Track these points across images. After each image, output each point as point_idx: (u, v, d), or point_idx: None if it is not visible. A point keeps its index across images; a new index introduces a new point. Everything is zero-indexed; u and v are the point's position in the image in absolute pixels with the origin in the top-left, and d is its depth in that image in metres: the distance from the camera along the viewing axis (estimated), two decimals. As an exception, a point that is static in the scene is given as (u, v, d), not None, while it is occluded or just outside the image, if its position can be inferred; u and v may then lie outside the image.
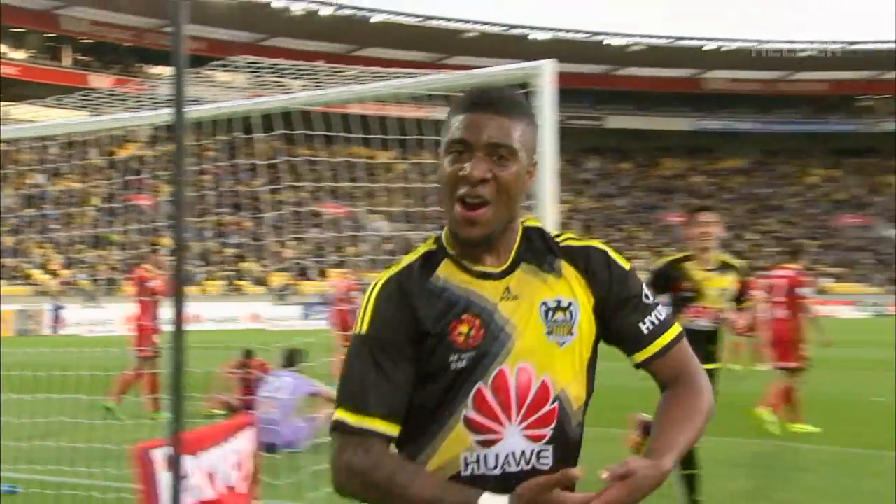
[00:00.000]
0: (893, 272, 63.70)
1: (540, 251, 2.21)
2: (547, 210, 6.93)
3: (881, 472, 9.18)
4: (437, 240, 2.24)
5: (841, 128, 76.49)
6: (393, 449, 2.17)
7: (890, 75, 73.50)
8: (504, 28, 65.71)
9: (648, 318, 2.23)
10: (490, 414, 2.09)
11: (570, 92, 67.31)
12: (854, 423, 12.48)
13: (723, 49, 69.35)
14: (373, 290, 2.18)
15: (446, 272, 2.16)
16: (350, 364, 2.15)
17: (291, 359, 10.68)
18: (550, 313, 2.15)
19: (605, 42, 68.15)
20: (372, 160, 9.76)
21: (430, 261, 2.19)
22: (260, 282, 49.49)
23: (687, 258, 7.10)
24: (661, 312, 2.26)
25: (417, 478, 2.04)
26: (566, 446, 2.15)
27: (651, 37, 68.50)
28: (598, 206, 68.69)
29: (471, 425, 2.09)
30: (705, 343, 6.74)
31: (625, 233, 65.24)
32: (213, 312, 37.82)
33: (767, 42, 69.52)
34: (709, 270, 7.01)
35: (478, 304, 2.12)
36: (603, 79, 72.38)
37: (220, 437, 5.07)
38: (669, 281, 6.99)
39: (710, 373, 6.92)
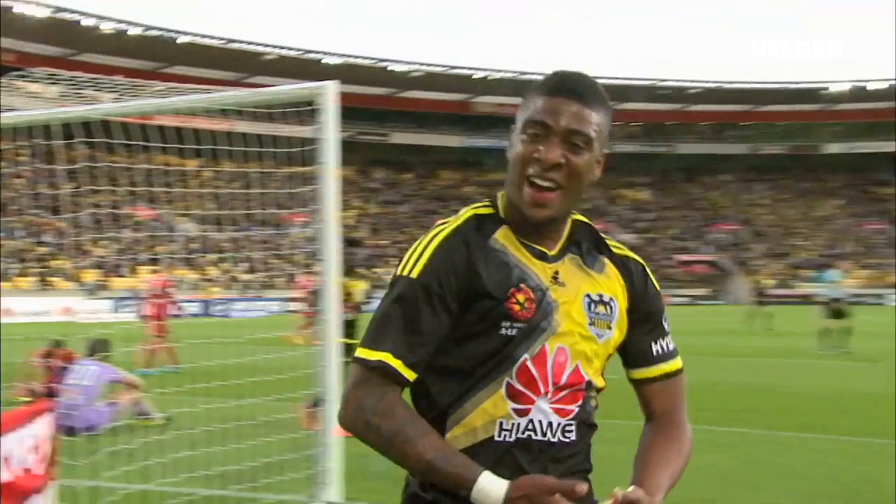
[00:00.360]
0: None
1: (587, 246, 2.05)
2: (330, 212, 6.92)
3: (612, 438, 9.49)
4: (493, 204, 2.04)
5: (587, 148, 79.83)
6: (407, 397, 1.97)
7: (626, 105, 77.41)
8: (300, 52, 64.99)
9: (661, 341, 2.09)
10: (530, 385, 1.92)
11: (358, 110, 67.58)
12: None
13: (489, 77, 71.08)
14: (433, 238, 1.96)
15: (504, 239, 1.97)
16: (388, 304, 1.93)
17: (95, 348, 10.28)
18: (593, 305, 1.99)
19: (390, 68, 68.51)
20: (179, 167, 9.50)
21: (487, 223, 1.99)
22: (72, 278, 47.24)
23: None
24: (672, 342, 2.12)
25: (424, 437, 1.85)
26: (587, 427, 2.03)
27: (429, 65, 69.37)
28: (384, 211, 69.01)
29: (511, 394, 1.92)
30: None
31: (407, 235, 65.70)
32: (25, 306, 35.91)
33: (527, 73, 71.72)
34: None
35: (534, 280, 1.94)
36: (388, 100, 72.84)
37: (16, 423, 4.76)
38: None
39: None
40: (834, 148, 79.45)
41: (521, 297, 1.91)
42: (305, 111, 7.07)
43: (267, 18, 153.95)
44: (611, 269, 2.04)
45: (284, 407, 7.53)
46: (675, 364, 2.11)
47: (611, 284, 2.03)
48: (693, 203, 78.90)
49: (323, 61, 64.18)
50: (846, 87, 75.38)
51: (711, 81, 74.82)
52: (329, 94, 6.88)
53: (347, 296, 9.61)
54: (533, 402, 1.93)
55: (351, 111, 68.29)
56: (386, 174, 73.97)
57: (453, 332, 1.92)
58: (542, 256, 1.98)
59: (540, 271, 1.96)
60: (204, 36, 61.46)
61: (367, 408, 1.87)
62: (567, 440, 1.96)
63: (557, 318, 1.94)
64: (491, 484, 1.79)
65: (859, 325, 21.74)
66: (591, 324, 1.97)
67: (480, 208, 2.03)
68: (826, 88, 75.89)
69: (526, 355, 1.91)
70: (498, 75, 71.03)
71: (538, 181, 1.90)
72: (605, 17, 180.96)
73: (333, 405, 6.84)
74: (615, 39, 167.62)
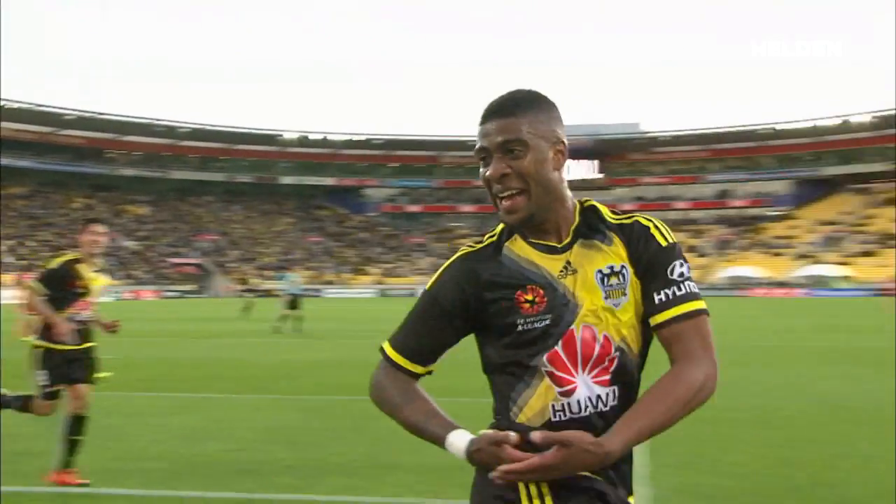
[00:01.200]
0: (128, 270, 67.42)
1: (594, 226, 1.79)
2: None
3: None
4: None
5: (95, 170, 78.07)
6: (419, 385, 1.84)
7: (128, 138, 77.88)
8: None
9: (665, 289, 1.73)
10: (564, 368, 1.72)
11: None
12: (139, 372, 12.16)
13: (6, 106, 67.62)
14: (453, 258, 1.82)
15: (516, 246, 1.78)
16: (411, 310, 1.84)
17: None
18: (605, 279, 1.74)
19: None
20: None
21: (501, 237, 1.81)
22: None
23: (78, 260, 6.00)
24: (683, 288, 1.73)
25: (411, 403, 1.77)
26: (628, 388, 1.76)
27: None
28: None
29: (553, 379, 1.72)
30: (87, 331, 6.02)
31: None
32: None
33: (41, 105, 69.51)
34: (95, 271, 6.07)
35: (540, 276, 1.74)
36: None
37: None
38: (66, 278, 5.90)
39: (89, 350, 5.93)
40: (287, 180, 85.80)
41: (529, 296, 1.73)
42: None
43: None
44: (616, 239, 1.78)
45: None
46: (682, 307, 1.73)
47: (618, 252, 1.77)
48: (183, 217, 79.69)
49: None
50: (295, 135, 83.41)
51: (197, 123, 77.94)
52: None
53: None
54: (574, 383, 1.72)
55: None
56: None
57: (493, 334, 1.77)
58: (552, 250, 1.77)
59: (549, 265, 1.76)
60: None
61: (378, 384, 1.84)
62: (615, 404, 1.73)
63: (578, 304, 1.73)
64: (458, 440, 1.67)
65: (307, 312, 23.01)
66: (606, 297, 1.74)
67: (500, 226, 1.84)
68: (281, 135, 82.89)
69: (554, 346, 1.72)
70: (14, 105, 67.77)
71: (502, 194, 1.74)
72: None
73: None
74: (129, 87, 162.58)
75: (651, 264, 1.77)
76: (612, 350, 1.74)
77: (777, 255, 73.86)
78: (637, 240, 1.78)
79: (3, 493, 5.17)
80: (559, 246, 1.78)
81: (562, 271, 1.76)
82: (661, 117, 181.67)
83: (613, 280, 1.76)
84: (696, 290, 1.76)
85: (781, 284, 64.69)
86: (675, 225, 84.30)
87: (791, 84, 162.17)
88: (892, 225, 72.28)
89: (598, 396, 1.73)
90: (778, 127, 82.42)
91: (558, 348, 1.73)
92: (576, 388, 1.73)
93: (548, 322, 1.73)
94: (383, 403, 1.84)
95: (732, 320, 26.12)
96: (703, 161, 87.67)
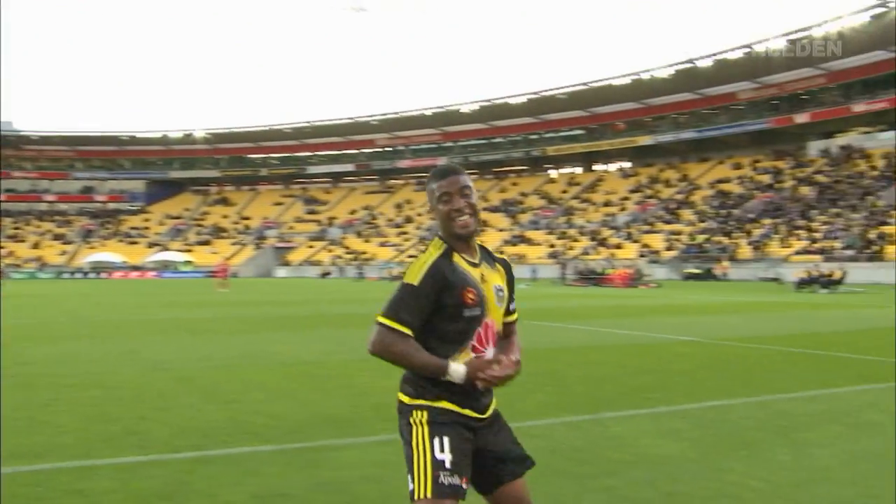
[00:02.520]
0: None
1: (487, 256, 2.42)
2: None
3: None
4: (442, 241, 2.35)
5: None
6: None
7: None
8: None
9: (512, 303, 2.49)
10: (481, 342, 2.32)
11: None
12: None
13: None
14: (427, 261, 2.28)
15: (457, 260, 2.31)
16: (399, 294, 2.25)
17: None
18: (498, 291, 2.37)
19: None
20: None
21: (448, 251, 2.32)
22: None
23: None
24: (514, 303, 2.51)
25: (417, 352, 2.22)
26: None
27: None
28: None
29: (474, 350, 2.31)
30: None
31: None
32: None
33: None
34: None
35: (474, 282, 2.30)
36: None
37: None
38: None
39: None
40: None
41: (471, 294, 2.27)
42: None
43: None
44: (498, 266, 2.43)
45: None
46: (516, 314, 2.52)
47: (501, 276, 2.43)
48: None
49: None
50: None
51: None
52: None
53: None
54: (484, 352, 2.33)
55: None
56: None
57: (446, 316, 2.27)
58: (474, 265, 2.34)
59: (475, 275, 2.32)
60: None
61: (385, 343, 2.22)
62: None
63: (488, 303, 2.33)
64: (456, 367, 2.22)
65: None
66: (498, 302, 2.37)
67: (440, 241, 2.36)
68: None
69: (479, 329, 2.31)
70: None
71: (459, 218, 2.32)
72: None
73: None
74: None
75: (511, 288, 2.48)
76: (497, 334, 2.40)
77: (133, 243, 74.15)
78: (509, 271, 2.48)
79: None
80: (476, 262, 2.36)
81: (481, 279, 2.34)
82: (35, 118, 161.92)
83: (500, 293, 2.40)
84: None
85: (137, 268, 64.57)
86: (44, 215, 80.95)
87: (147, 96, 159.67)
88: (222, 220, 78.44)
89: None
90: (137, 135, 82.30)
91: (480, 331, 2.32)
92: (485, 354, 2.33)
93: (478, 312, 2.30)
94: (395, 354, 2.22)
95: (92, 298, 25.95)
96: (71, 160, 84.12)
